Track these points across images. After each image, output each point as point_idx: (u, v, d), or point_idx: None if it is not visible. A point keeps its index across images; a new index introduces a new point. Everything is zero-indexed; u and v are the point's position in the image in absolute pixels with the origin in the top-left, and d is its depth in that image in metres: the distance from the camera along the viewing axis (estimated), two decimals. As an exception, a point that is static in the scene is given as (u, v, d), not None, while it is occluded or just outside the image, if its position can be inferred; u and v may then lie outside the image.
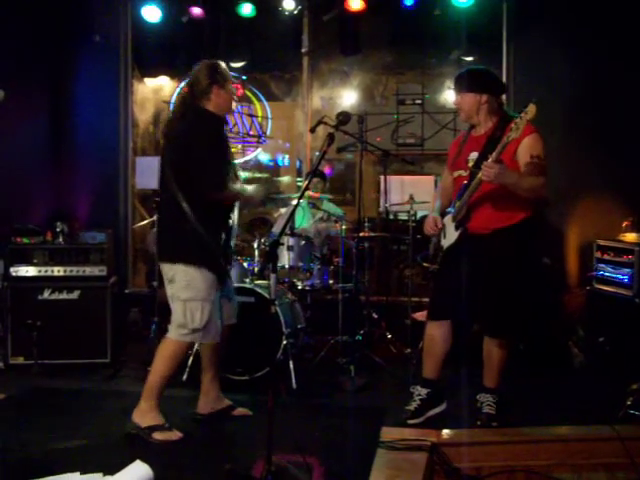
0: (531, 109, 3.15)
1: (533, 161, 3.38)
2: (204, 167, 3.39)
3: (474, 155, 3.60)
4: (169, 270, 3.53)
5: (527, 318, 3.88)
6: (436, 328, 3.73)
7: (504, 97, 3.85)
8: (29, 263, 4.92)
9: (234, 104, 3.68)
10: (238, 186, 3.63)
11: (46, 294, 4.87)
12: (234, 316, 3.83)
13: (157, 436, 3.43)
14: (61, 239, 5.05)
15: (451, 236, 3.68)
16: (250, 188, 3.75)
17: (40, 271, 4.92)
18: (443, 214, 3.79)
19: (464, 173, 3.66)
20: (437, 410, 3.75)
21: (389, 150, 5.56)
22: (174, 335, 3.52)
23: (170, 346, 3.53)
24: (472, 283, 3.58)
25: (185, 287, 3.47)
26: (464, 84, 3.66)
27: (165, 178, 3.53)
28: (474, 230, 3.60)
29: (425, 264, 4.17)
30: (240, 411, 3.85)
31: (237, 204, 3.72)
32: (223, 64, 3.63)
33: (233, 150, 7.38)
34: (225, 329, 3.72)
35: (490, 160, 3.28)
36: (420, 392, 3.74)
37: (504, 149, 3.28)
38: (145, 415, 3.47)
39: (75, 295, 4.91)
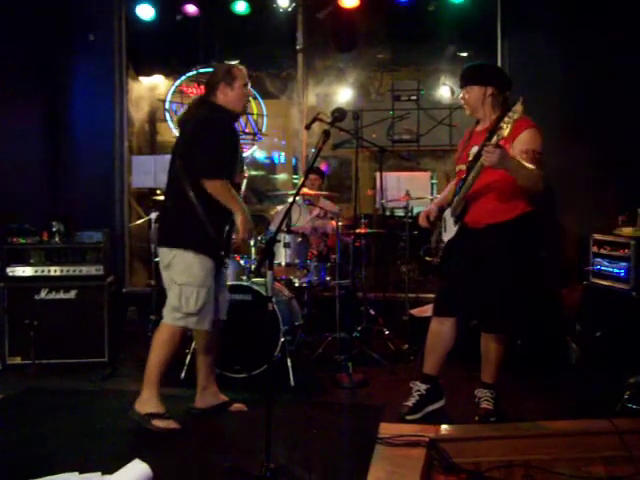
0: (517, 109, 3.11)
1: (529, 155, 3.36)
2: (208, 153, 3.48)
3: (475, 149, 3.58)
4: (167, 254, 3.57)
5: (524, 313, 3.86)
6: (440, 324, 3.73)
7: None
8: (26, 263, 4.92)
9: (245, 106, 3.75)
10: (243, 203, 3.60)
11: (43, 294, 4.87)
12: (224, 313, 3.84)
13: (157, 423, 3.48)
14: (57, 239, 5.03)
15: (451, 230, 3.68)
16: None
17: (37, 271, 4.91)
18: (443, 208, 3.79)
19: (464, 167, 3.65)
20: (436, 406, 3.75)
21: (385, 146, 5.56)
22: (168, 319, 3.56)
23: (165, 331, 3.57)
24: (470, 278, 3.58)
25: (182, 272, 3.52)
26: (469, 77, 3.66)
27: (175, 167, 3.61)
28: (471, 224, 3.59)
29: (427, 258, 4.16)
30: (236, 406, 3.86)
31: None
32: (241, 68, 3.71)
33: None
34: (217, 325, 3.73)
35: (490, 145, 3.23)
36: (419, 388, 3.74)
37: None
38: (145, 403, 3.52)
39: (72, 295, 4.90)
